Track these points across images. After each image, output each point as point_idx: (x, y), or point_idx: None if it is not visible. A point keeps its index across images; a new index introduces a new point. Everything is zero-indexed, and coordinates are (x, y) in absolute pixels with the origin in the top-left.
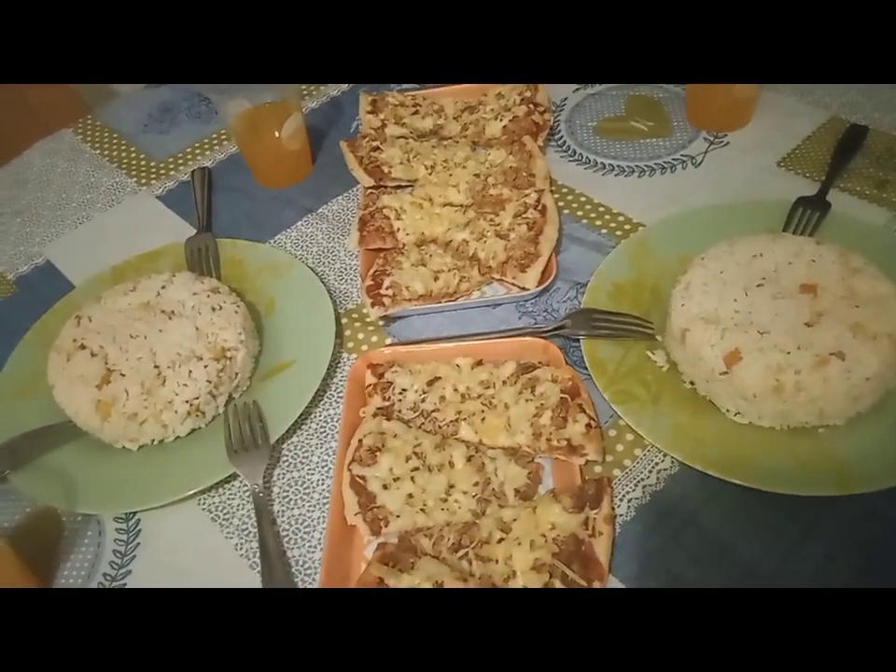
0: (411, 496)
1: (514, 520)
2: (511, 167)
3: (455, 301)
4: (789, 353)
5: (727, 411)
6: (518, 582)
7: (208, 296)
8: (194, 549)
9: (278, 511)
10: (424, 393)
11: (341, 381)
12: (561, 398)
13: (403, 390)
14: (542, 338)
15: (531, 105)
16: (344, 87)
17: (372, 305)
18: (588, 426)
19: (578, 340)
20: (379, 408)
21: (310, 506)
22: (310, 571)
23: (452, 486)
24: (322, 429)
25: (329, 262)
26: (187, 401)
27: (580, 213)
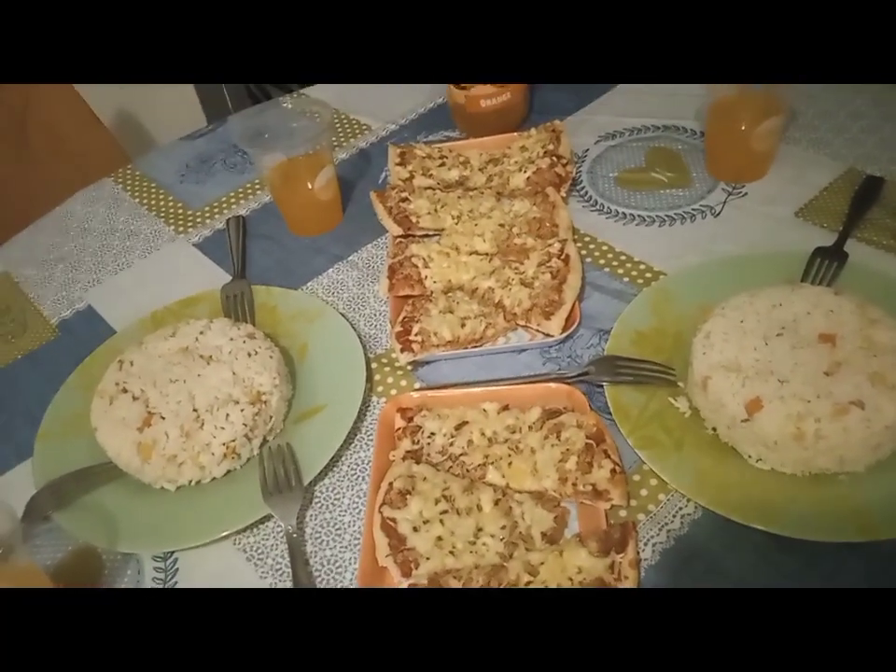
0: (440, 538)
1: (541, 563)
2: (534, 217)
3: (481, 346)
4: (809, 401)
5: (749, 457)
6: None
7: (244, 341)
8: (229, 587)
9: (311, 552)
10: (452, 437)
11: (371, 424)
12: (586, 443)
13: (432, 434)
14: (567, 384)
15: (554, 158)
16: (373, 139)
17: (402, 350)
18: (613, 471)
19: (601, 386)
20: (408, 451)
21: (342, 547)
22: None
23: (480, 529)
24: (353, 472)
25: (359, 308)
26: (223, 444)
27: (602, 261)
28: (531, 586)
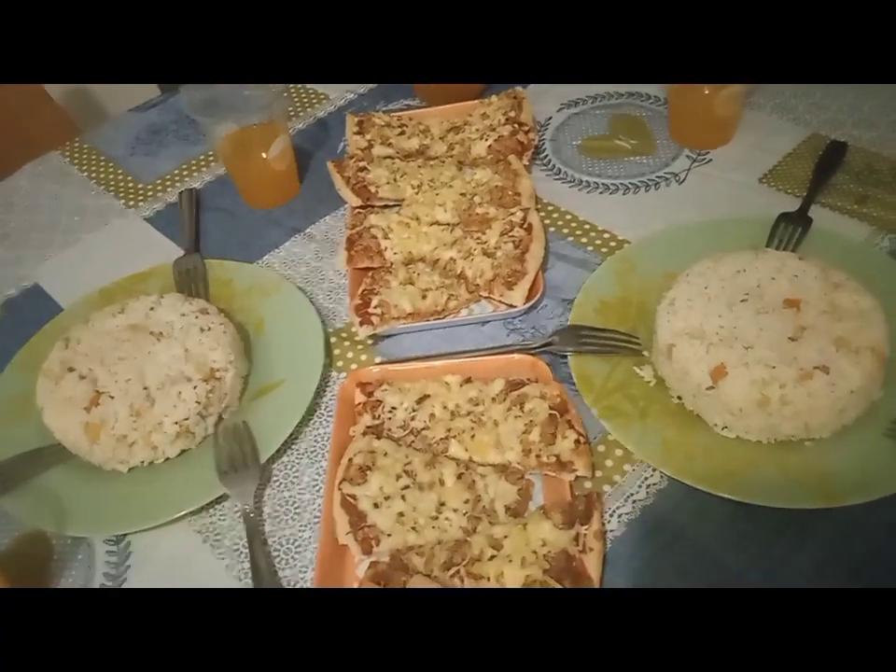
0: (401, 514)
1: (505, 537)
2: (496, 186)
3: (443, 318)
4: (773, 367)
5: (714, 425)
6: None
7: (197, 317)
8: (186, 570)
9: (269, 532)
10: (413, 411)
11: (330, 400)
12: (550, 414)
13: (393, 408)
14: (530, 355)
15: (516, 125)
16: (331, 108)
17: (361, 324)
18: (577, 441)
19: (565, 356)
20: (369, 426)
21: (301, 526)
22: None
23: (442, 504)
24: (312, 449)
25: (317, 282)
26: (176, 423)
27: (565, 230)
28: (495, 560)
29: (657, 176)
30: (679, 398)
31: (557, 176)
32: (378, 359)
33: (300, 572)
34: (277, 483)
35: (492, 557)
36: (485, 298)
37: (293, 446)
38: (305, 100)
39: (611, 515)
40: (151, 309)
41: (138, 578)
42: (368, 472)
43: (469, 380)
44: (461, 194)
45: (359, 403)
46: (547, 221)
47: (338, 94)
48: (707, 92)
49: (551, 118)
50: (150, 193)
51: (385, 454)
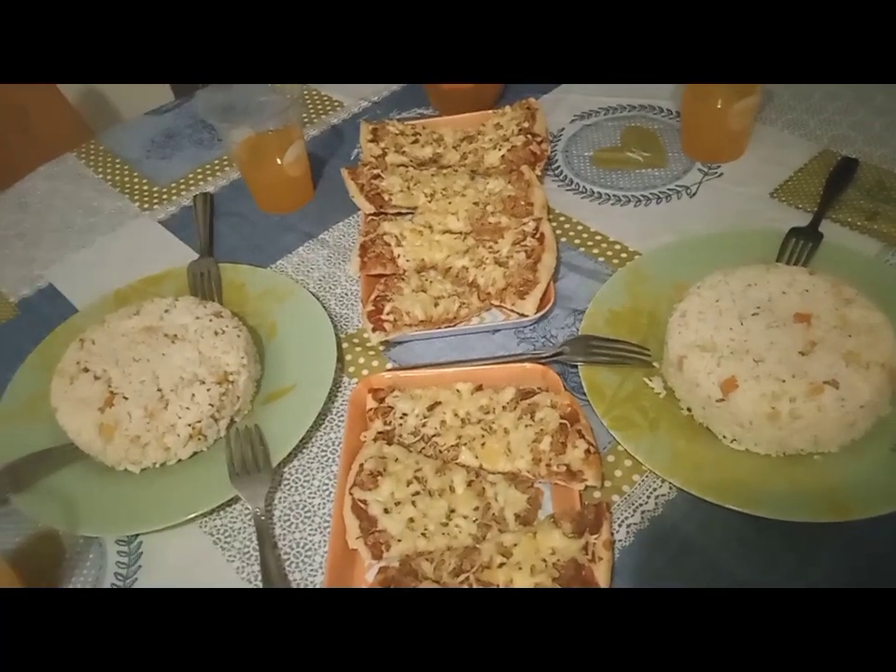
0: (412, 520)
1: (515, 545)
2: (509, 196)
3: (454, 326)
4: (784, 381)
5: (724, 437)
6: None
7: (211, 320)
8: (196, 572)
9: (279, 535)
10: (424, 418)
11: (342, 405)
12: (560, 423)
13: (404, 415)
14: (541, 364)
15: (529, 136)
16: (345, 115)
17: (373, 330)
18: (587, 451)
19: (576, 366)
20: (380, 432)
21: (311, 530)
22: None
23: (452, 511)
24: (323, 453)
25: (329, 287)
26: (189, 425)
27: (577, 241)
28: (504, 567)
29: (668, 189)
30: (689, 409)
31: (569, 187)
32: (389, 365)
33: (309, 576)
34: (288, 487)
35: (501, 565)
36: (497, 306)
37: (304, 450)
38: (320, 107)
39: (620, 525)
40: (166, 311)
41: (148, 578)
42: (379, 478)
43: (480, 388)
44: (474, 203)
45: (371, 409)
46: (559, 232)
47: (352, 102)
48: (719, 106)
49: (563, 129)
50: (165, 196)
51: (396, 459)
